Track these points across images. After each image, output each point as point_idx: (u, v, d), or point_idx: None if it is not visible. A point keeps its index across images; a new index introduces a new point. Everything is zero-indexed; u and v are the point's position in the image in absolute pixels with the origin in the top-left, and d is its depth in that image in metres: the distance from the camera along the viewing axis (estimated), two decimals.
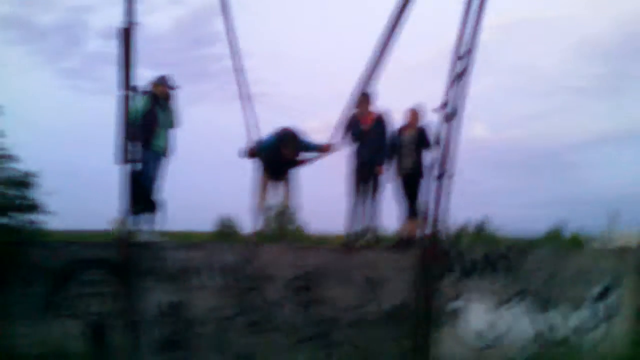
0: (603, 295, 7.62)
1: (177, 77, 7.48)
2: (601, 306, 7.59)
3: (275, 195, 8.14)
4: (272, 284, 6.67)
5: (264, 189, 7.97)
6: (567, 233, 16.54)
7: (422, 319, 6.87)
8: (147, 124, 7.00)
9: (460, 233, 12.14)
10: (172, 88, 7.42)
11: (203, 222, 14.39)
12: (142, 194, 6.71)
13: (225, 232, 14.70)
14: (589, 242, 13.45)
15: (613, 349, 7.43)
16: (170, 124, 7.37)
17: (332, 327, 6.75)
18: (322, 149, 7.89)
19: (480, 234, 13.38)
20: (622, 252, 8.02)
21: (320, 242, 9.73)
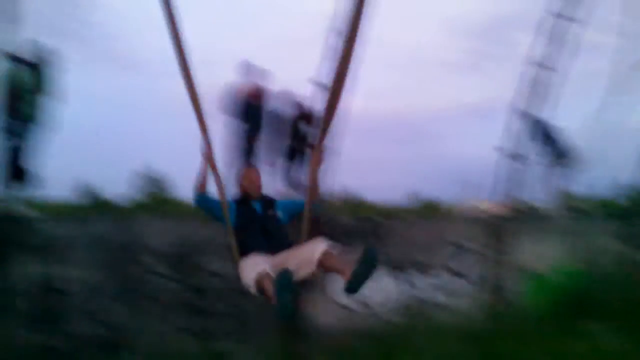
0: (457, 258, 8.40)
1: (56, 41, 7.17)
2: (458, 271, 8.36)
3: None
4: (147, 254, 6.71)
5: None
6: (425, 200, 17.71)
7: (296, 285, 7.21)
8: (13, 91, 6.68)
9: (331, 201, 12.62)
10: (45, 53, 7.11)
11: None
12: (14, 164, 6.46)
13: (96, 203, 14.29)
14: (444, 210, 14.52)
15: (466, 309, 8.22)
16: (41, 90, 7.06)
17: (207, 295, 6.93)
18: None
19: (348, 202, 13.96)
20: (475, 221, 8.86)
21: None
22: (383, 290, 7.85)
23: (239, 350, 6.91)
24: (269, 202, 4.60)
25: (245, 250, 4.26)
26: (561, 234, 8.68)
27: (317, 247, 3.94)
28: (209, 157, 4.20)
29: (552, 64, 8.23)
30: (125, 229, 6.70)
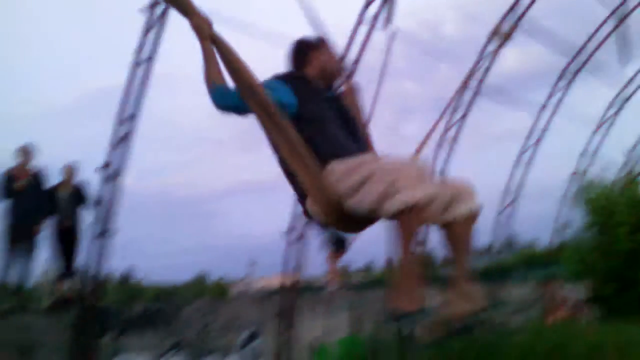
0: (250, 340, 8.49)
1: None
2: (249, 350, 8.44)
3: None
4: None
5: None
6: (210, 280, 17.67)
7: None
8: None
9: (108, 285, 12.10)
10: None
11: None
12: None
13: None
14: (231, 288, 14.65)
15: None
16: None
17: None
18: None
19: (126, 284, 13.45)
20: (263, 300, 9.09)
21: None
22: None
23: None
24: (333, 83, 3.04)
25: (327, 150, 2.68)
26: (341, 306, 9.26)
27: (467, 196, 2.62)
28: (206, 30, 2.58)
29: None
30: None
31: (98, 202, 6.86)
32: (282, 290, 9.30)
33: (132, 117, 6.81)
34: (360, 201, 2.44)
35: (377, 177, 2.39)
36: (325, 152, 2.63)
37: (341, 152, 2.62)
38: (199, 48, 2.60)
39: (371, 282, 11.02)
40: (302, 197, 2.72)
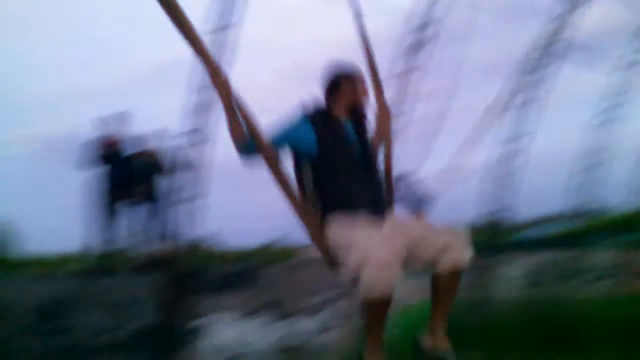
0: (331, 302, 8.63)
1: None
2: (330, 312, 8.59)
3: None
4: (13, 314, 6.21)
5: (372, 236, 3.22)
6: (281, 245, 17.93)
7: (172, 338, 7.03)
8: None
9: (200, 249, 12.49)
10: None
11: None
12: None
13: None
14: (309, 253, 14.81)
15: (339, 351, 8.44)
16: None
17: (81, 354, 6.52)
18: None
19: (210, 247, 13.82)
20: None
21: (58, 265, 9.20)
22: (257, 336, 7.86)
23: None
24: (362, 121, 3.06)
25: (333, 200, 2.78)
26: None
27: (455, 248, 2.63)
28: (227, 94, 2.79)
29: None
30: None
31: (186, 167, 7.05)
32: None
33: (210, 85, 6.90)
34: (344, 268, 2.61)
35: (353, 250, 2.51)
36: (332, 202, 2.80)
37: (346, 206, 2.74)
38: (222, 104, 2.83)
39: None
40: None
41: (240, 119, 2.82)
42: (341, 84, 3.02)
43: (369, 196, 2.85)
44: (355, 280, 2.43)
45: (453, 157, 9.32)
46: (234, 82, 2.81)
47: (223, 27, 6.52)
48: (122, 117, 7.90)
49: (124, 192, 7.74)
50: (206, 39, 3.00)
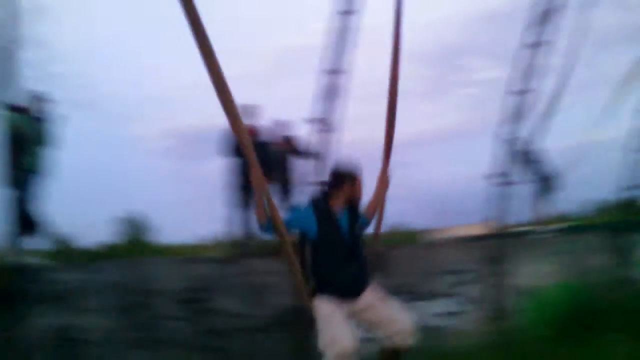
0: (458, 284, 8.57)
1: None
2: (459, 294, 8.53)
3: None
4: (160, 297, 6.68)
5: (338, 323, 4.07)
6: (402, 229, 17.87)
7: (308, 321, 7.26)
8: (16, 143, 6.67)
9: None
10: (43, 103, 7.15)
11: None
12: (21, 215, 6.44)
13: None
14: (431, 236, 14.69)
15: (470, 334, 8.36)
16: (42, 140, 7.07)
17: (222, 336, 6.91)
18: None
19: None
20: (469, 246, 9.07)
21: (197, 252, 9.78)
22: None
23: None
24: (355, 214, 3.97)
25: (323, 284, 3.82)
26: (552, 251, 8.94)
27: (403, 335, 3.92)
28: (260, 183, 3.60)
29: (527, 87, 8.52)
30: (135, 273, 6.67)
31: (314, 156, 7.25)
32: (490, 235, 9.19)
33: (336, 72, 7.05)
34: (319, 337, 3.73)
35: (325, 330, 3.76)
36: (321, 279, 3.88)
37: (330, 288, 3.83)
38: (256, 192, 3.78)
39: (584, 226, 10.46)
40: None
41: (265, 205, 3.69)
42: (344, 184, 3.95)
43: (350, 281, 3.88)
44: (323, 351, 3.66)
45: (584, 132, 8.93)
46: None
47: (346, 12, 6.64)
48: (255, 106, 8.21)
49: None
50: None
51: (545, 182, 9.64)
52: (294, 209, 4.07)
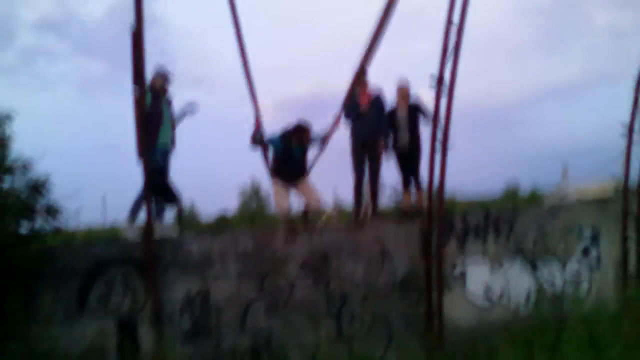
0: (589, 247, 8.23)
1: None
2: (588, 257, 8.20)
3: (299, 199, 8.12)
4: (289, 265, 6.92)
5: (282, 195, 7.84)
6: (523, 190, 17.23)
7: (431, 285, 7.29)
8: (152, 121, 7.02)
9: (451, 200, 12.61)
10: (169, 80, 7.50)
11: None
12: (159, 189, 6.87)
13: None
14: (546, 198, 14.09)
15: (602, 297, 8.04)
16: (171, 117, 7.45)
17: (348, 301, 7.07)
18: (326, 138, 8.20)
19: (452, 199, 13.79)
20: (601, 204, 8.63)
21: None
22: (514, 283, 7.80)
23: (386, 353, 7.05)
24: (303, 147, 7.90)
25: (277, 172, 7.82)
26: None
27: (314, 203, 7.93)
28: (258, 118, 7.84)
29: None
30: (266, 241, 6.93)
31: (434, 118, 7.15)
32: (622, 194, 8.70)
33: (458, 28, 6.86)
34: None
35: (274, 197, 8.18)
36: (276, 170, 7.84)
37: (278, 174, 7.82)
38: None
39: None
40: None
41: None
42: (299, 132, 7.70)
43: (290, 172, 7.76)
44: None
45: None
46: None
47: None
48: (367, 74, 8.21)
49: (372, 146, 8.09)
50: None
51: None
52: (272, 137, 7.84)
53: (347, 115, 8.21)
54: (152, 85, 7.26)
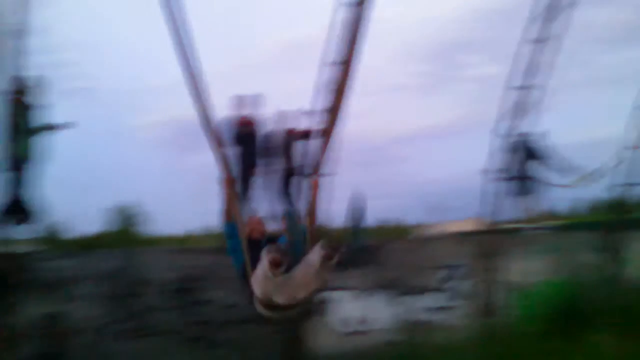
0: (449, 279, 8.61)
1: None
2: (448, 289, 8.57)
3: None
4: (151, 288, 6.68)
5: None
6: (395, 223, 17.89)
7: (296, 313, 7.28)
8: (12, 130, 6.60)
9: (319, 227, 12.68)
10: (40, 90, 7.09)
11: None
12: (13, 202, 6.42)
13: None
14: (422, 231, 14.70)
15: (460, 326, 8.39)
16: (31, 128, 7.01)
17: (212, 327, 6.92)
18: None
19: (326, 227, 13.93)
20: (460, 241, 9.10)
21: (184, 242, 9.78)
22: (379, 312, 7.98)
23: None
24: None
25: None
26: (543, 249, 8.98)
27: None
28: (229, 184, 4.23)
29: (526, 83, 8.47)
30: (125, 262, 6.67)
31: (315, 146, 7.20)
32: (482, 231, 9.21)
33: (341, 62, 7.00)
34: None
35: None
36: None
37: None
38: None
39: (575, 223, 10.49)
40: None
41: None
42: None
43: None
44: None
45: (582, 129, 8.90)
46: None
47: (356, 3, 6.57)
48: (255, 96, 8.15)
49: (254, 169, 8.02)
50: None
51: (537, 180, 9.60)
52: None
53: (228, 139, 8.10)
54: (12, 95, 6.84)
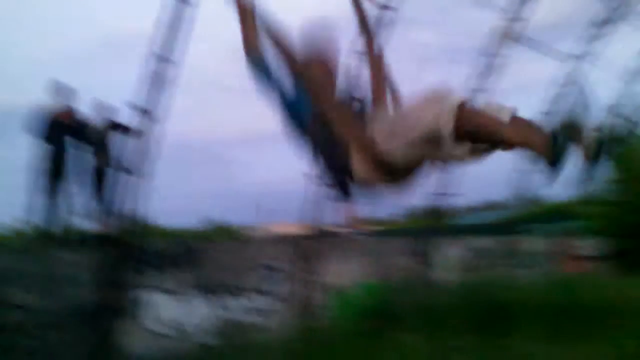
0: (269, 284, 8.63)
1: None
2: (268, 291, 8.58)
3: None
4: None
5: None
6: (220, 224, 17.85)
7: (108, 314, 6.89)
8: None
9: (139, 227, 12.28)
10: None
11: None
12: None
13: None
14: (247, 233, 14.78)
15: (278, 328, 8.44)
16: None
17: (16, 332, 6.30)
18: None
19: (147, 225, 13.57)
20: (282, 244, 9.19)
21: None
22: (196, 313, 7.78)
23: None
24: None
25: None
26: (361, 253, 9.35)
27: None
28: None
29: None
30: None
31: (135, 143, 6.90)
32: (303, 235, 9.36)
33: (165, 60, 6.74)
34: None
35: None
36: None
37: None
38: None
39: (392, 230, 11.09)
40: (342, 164, 2.80)
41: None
42: None
43: None
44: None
45: None
46: None
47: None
48: (72, 88, 7.70)
49: (66, 166, 7.56)
50: None
51: (345, 185, 9.97)
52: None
53: (42, 131, 7.52)
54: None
